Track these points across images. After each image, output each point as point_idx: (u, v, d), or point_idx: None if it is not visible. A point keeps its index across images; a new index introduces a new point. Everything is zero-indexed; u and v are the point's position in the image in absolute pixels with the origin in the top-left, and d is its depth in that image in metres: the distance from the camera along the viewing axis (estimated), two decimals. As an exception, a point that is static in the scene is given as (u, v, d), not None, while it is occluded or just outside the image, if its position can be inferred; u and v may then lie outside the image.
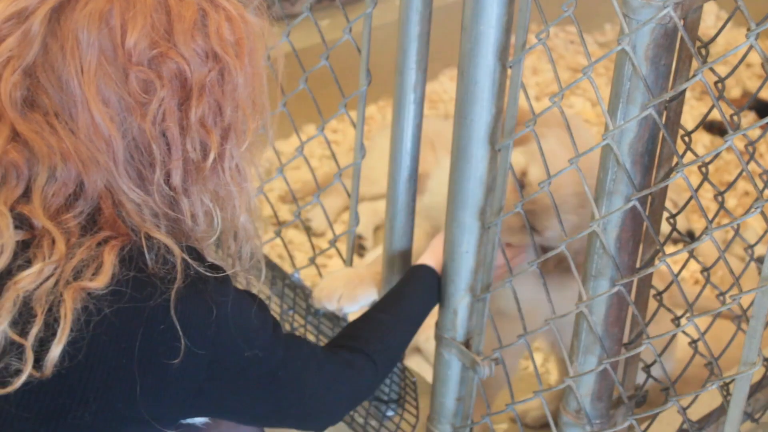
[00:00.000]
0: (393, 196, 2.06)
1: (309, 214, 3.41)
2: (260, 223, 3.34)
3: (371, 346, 1.78)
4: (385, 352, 1.81)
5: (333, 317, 2.41)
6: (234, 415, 1.58)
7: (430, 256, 2.00)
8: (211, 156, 1.45)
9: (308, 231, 2.54)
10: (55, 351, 1.34)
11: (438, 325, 2.00)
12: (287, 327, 2.43)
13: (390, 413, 2.27)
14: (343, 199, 3.45)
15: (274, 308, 2.48)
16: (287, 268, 2.65)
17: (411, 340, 1.96)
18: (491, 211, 1.83)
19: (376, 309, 1.90)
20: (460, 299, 1.93)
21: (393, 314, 1.88)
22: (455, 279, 1.92)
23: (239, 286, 1.57)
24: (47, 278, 1.36)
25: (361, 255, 3.30)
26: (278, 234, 2.47)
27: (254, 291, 1.65)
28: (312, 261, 2.39)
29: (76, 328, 1.35)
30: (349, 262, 2.27)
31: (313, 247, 2.49)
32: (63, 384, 1.36)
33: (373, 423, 2.25)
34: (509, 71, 1.72)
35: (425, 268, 1.97)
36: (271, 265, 2.56)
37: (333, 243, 2.33)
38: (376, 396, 2.26)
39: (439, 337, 2.00)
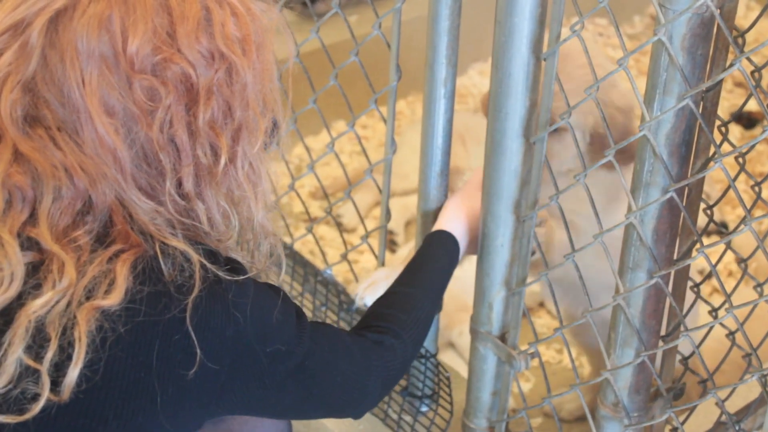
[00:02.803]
0: (424, 191, 2.06)
1: (339, 210, 3.41)
2: (290, 219, 3.35)
3: (399, 322, 1.75)
4: (414, 327, 1.77)
5: (366, 313, 2.41)
6: (264, 410, 1.56)
7: (444, 221, 1.96)
8: (223, 159, 1.42)
9: (339, 227, 2.53)
10: (72, 374, 1.31)
11: (473, 319, 2.00)
12: (320, 323, 2.43)
13: (424, 408, 2.27)
14: (373, 194, 3.45)
15: (307, 305, 2.48)
16: (319, 264, 2.66)
17: (437, 312, 1.91)
18: (526, 204, 1.82)
19: (398, 284, 1.86)
20: (496, 293, 1.93)
21: (417, 286, 1.84)
22: (490, 273, 1.91)
23: (264, 279, 1.55)
24: (58, 301, 1.33)
25: (392, 250, 3.30)
26: (309, 230, 2.47)
27: (283, 279, 1.63)
28: (344, 257, 2.39)
29: (92, 349, 1.33)
30: (381, 258, 2.27)
31: (345, 243, 2.49)
32: (81, 405, 1.34)
33: (407, 418, 2.25)
34: (543, 64, 1.71)
35: (442, 233, 1.93)
36: (302, 262, 2.57)
37: (365, 239, 2.33)
38: (410, 391, 2.26)
39: (474, 331, 2.00)
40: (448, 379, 2.25)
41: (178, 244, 1.39)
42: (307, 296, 2.49)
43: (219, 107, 1.40)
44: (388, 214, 2.22)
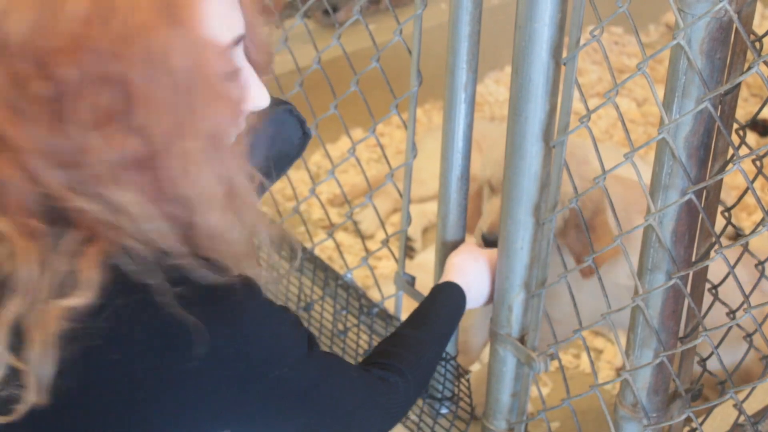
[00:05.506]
0: (445, 195, 2.09)
1: (357, 216, 3.44)
2: (308, 226, 3.37)
3: (404, 361, 1.75)
4: (418, 368, 1.78)
5: (386, 317, 2.43)
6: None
7: (450, 273, 2.01)
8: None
9: (359, 232, 2.56)
10: (48, 375, 1.27)
11: (493, 322, 2.02)
12: (340, 327, 2.46)
13: (444, 410, 2.29)
14: (391, 201, 3.48)
15: (327, 309, 2.51)
16: (337, 270, 2.69)
17: (439, 359, 1.92)
18: (546, 207, 1.85)
19: (406, 326, 1.87)
20: (515, 295, 1.95)
21: (424, 330, 1.85)
22: (510, 275, 1.94)
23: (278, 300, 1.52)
24: (27, 298, 1.27)
25: (410, 257, 3.32)
26: (330, 235, 2.50)
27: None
28: (365, 261, 2.42)
29: (65, 349, 1.27)
30: (401, 262, 2.29)
31: (366, 248, 2.51)
32: (61, 411, 1.31)
33: (427, 420, 2.27)
34: (563, 68, 1.74)
35: (449, 284, 1.97)
36: (323, 266, 2.60)
37: (385, 243, 2.35)
38: (430, 393, 2.28)
39: (493, 334, 2.02)
40: (468, 380, 2.27)
41: (178, 251, 1.32)
42: (327, 300, 2.52)
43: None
44: (408, 218, 2.24)
